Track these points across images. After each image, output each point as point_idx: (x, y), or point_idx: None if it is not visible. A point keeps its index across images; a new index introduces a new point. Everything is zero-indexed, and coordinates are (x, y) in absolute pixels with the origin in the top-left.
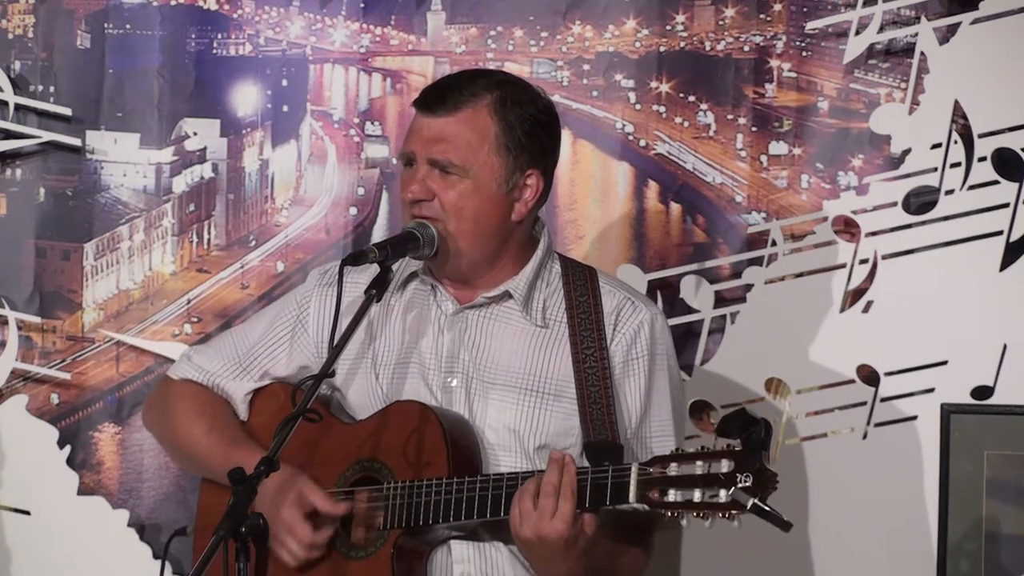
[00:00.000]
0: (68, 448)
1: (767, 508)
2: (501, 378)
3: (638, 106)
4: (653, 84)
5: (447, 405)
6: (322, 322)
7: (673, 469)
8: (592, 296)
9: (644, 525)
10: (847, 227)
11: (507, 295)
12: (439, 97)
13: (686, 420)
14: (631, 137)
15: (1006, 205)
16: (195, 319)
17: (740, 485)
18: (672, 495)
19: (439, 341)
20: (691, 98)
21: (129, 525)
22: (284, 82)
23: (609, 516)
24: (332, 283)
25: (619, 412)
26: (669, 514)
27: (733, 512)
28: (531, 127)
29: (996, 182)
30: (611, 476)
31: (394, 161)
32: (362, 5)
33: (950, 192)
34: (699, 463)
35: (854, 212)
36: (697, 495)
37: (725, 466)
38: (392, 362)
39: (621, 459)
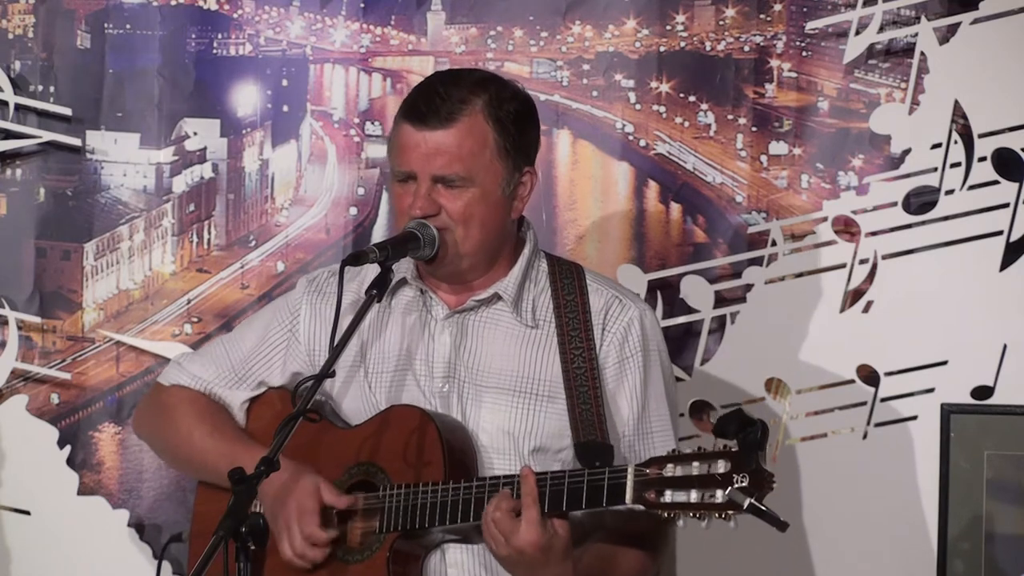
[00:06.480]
0: (68, 448)
1: (763, 508)
2: (494, 381)
3: (638, 106)
4: (653, 84)
5: (442, 410)
6: (312, 330)
7: (670, 470)
8: (580, 295)
9: (648, 526)
10: (847, 227)
11: (496, 297)
12: (432, 109)
13: (678, 412)
14: (631, 137)
15: (1006, 205)
16: (195, 319)
17: (737, 485)
18: (669, 496)
19: (431, 347)
20: (691, 98)
21: (129, 525)
22: (284, 82)
23: (604, 520)
24: (320, 291)
25: (617, 411)
26: (665, 515)
27: (729, 512)
28: (521, 124)
29: (996, 182)
30: (608, 477)
31: None
32: (362, 5)
33: (950, 192)
34: (696, 464)
35: (854, 212)
36: (694, 496)
37: (722, 467)
38: (385, 369)
39: (611, 460)
